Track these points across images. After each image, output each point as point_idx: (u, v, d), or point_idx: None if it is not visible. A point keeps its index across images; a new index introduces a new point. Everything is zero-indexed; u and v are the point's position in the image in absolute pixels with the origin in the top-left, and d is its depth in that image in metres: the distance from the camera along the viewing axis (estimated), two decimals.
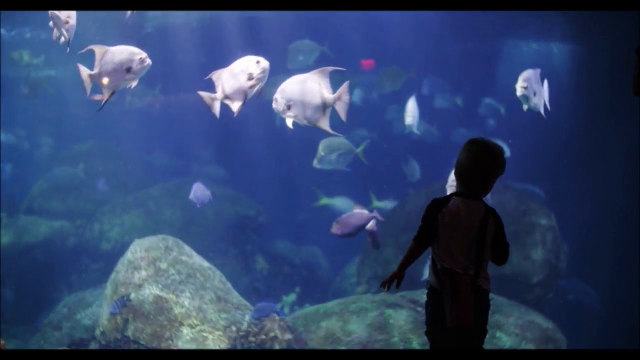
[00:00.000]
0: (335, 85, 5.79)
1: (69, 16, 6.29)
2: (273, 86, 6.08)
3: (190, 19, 13.48)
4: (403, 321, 8.96)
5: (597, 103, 12.78)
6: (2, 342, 6.52)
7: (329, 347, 8.73)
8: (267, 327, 8.86)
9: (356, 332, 8.91)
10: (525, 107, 7.39)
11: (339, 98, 5.76)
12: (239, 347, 8.73)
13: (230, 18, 13.19)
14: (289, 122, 5.96)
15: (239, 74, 5.87)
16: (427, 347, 4.44)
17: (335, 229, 8.33)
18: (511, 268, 10.20)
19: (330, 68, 5.81)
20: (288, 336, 8.86)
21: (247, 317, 9.04)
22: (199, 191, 10.35)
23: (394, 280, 4.16)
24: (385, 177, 13.73)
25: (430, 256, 4.27)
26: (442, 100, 14.52)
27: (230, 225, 14.29)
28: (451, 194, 4.25)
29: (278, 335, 8.78)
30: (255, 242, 14.66)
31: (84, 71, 6.13)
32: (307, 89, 5.78)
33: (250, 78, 5.86)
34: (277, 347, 8.69)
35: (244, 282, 13.21)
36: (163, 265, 9.40)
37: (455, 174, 4.26)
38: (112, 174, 15.29)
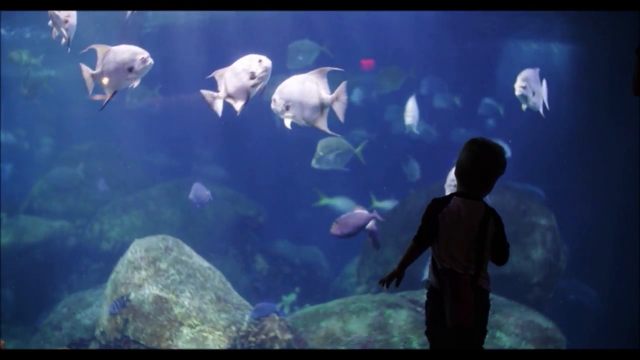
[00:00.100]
0: (335, 86, 5.79)
1: (69, 15, 6.26)
2: (272, 86, 6.08)
3: (191, 19, 13.47)
4: (403, 321, 8.96)
5: (597, 103, 12.77)
6: (2, 342, 6.51)
7: (329, 347, 8.73)
8: (267, 327, 8.85)
9: (356, 332, 8.90)
10: (524, 106, 7.38)
11: (336, 98, 5.76)
12: (239, 347, 8.73)
13: (230, 18, 13.19)
14: (287, 123, 5.96)
15: (241, 73, 5.86)
16: (427, 347, 4.44)
17: (334, 229, 8.32)
18: (511, 268, 10.20)
19: (328, 68, 5.81)
20: (288, 336, 8.86)
21: (247, 317, 9.03)
22: (198, 191, 10.36)
23: (394, 279, 4.16)
24: (386, 177, 13.73)
25: (430, 256, 4.27)
26: (441, 100, 14.51)
27: (230, 225, 14.28)
28: (451, 194, 4.25)
29: (278, 335, 8.78)
30: (255, 242, 14.64)
31: (86, 71, 6.11)
32: (305, 90, 5.78)
33: (252, 77, 5.85)
34: (277, 347, 8.69)
35: (244, 282, 13.20)
36: (163, 266, 9.40)
37: (456, 173, 4.26)
38: (112, 174, 15.26)
